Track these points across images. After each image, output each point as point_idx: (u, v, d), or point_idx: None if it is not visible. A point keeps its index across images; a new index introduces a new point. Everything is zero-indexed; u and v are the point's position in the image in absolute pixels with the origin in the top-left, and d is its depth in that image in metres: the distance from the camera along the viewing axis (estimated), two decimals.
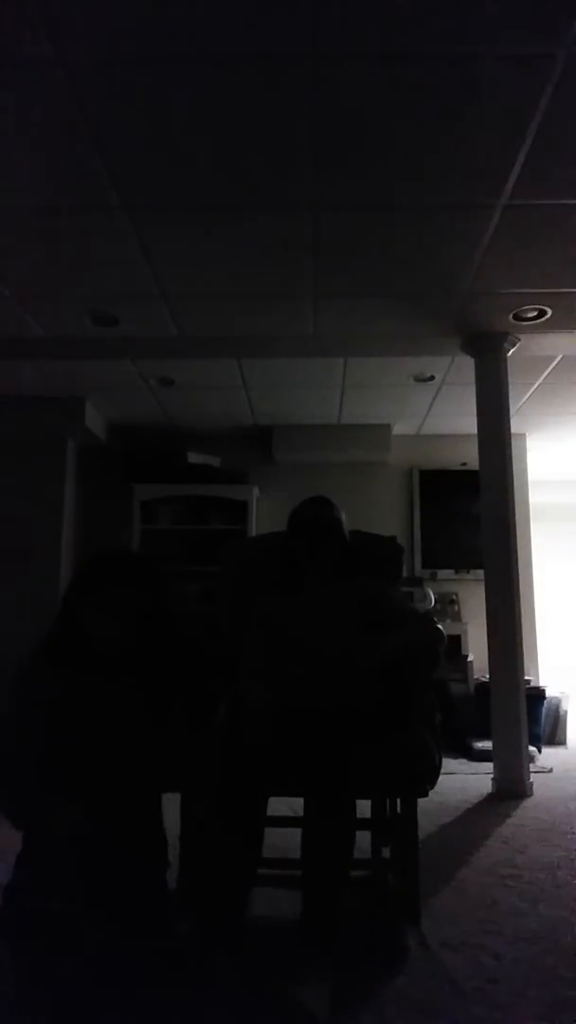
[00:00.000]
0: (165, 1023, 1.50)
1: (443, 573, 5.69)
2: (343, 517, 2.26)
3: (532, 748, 4.15)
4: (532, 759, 4.04)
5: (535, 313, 3.73)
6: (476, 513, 4.18)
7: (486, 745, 4.00)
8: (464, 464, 5.54)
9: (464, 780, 3.85)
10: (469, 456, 4.85)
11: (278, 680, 1.96)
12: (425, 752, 1.95)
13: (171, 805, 1.89)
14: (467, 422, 4.53)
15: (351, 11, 2.00)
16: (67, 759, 1.63)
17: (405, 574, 3.20)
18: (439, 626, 2.17)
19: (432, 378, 4.79)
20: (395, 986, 1.65)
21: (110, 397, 5.20)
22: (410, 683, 2.02)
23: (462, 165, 2.62)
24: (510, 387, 4.05)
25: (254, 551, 2.59)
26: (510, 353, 4.03)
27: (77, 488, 5.55)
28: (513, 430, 4.23)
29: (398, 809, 2.08)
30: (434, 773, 1.96)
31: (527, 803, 3.40)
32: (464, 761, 4.35)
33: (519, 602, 3.85)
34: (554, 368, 4.57)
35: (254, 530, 5.40)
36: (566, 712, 5.17)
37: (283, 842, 2.01)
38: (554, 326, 3.86)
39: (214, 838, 1.79)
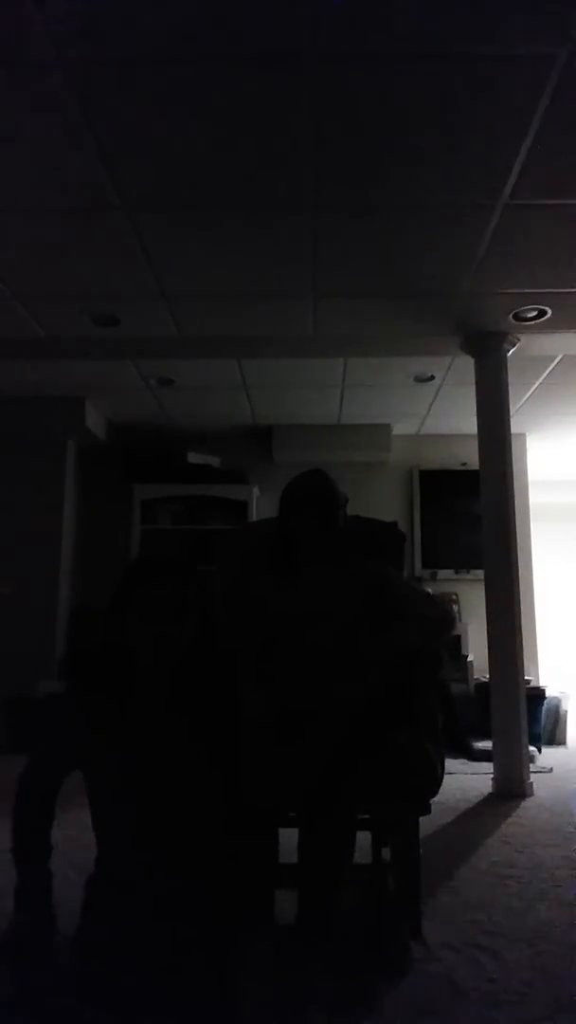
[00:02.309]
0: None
1: (443, 573, 5.68)
2: (341, 490, 2.06)
3: (532, 748, 4.14)
4: (532, 759, 4.03)
5: (535, 313, 3.73)
6: (476, 513, 4.17)
7: (486, 745, 4.00)
8: (464, 464, 5.54)
9: (464, 780, 3.85)
10: (469, 456, 4.85)
11: (277, 681, 1.92)
12: (427, 766, 1.82)
13: None
14: (467, 422, 4.53)
15: (351, 10, 2.00)
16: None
17: (405, 573, 3.13)
18: (451, 608, 2.00)
19: (432, 378, 4.79)
20: (395, 987, 1.65)
21: (110, 397, 5.21)
22: (412, 681, 1.90)
23: (462, 165, 2.62)
24: (510, 387, 4.05)
25: (250, 541, 2.39)
26: (510, 353, 4.03)
27: (77, 488, 5.56)
28: (513, 430, 4.22)
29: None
30: (436, 787, 1.85)
31: (527, 803, 3.40)
32: (464, 761, 4.34)
33: (519, 602, 3.85)
34: (554, 368, 4.57)
35: None
36: (566, 712, 5.17)
37: (282, 842, 2.00)
38: (554, 326, 3.86)
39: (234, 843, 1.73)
